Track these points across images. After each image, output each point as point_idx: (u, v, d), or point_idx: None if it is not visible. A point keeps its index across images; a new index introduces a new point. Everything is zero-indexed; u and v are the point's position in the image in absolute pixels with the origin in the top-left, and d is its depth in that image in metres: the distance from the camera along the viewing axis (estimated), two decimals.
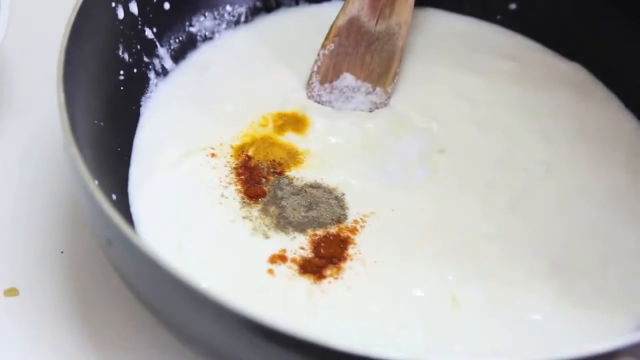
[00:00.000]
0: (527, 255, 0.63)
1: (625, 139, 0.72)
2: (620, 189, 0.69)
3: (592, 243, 0.65)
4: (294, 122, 0.72)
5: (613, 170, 0.70)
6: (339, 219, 0.65)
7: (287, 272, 0.61)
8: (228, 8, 0.79)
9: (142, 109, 0.72)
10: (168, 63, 0.75)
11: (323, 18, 0.76)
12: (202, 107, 0.72)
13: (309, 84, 0.74)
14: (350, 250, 0.63)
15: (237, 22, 0.80)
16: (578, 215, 0.66)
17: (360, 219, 0.65)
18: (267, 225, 0.64)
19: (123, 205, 0.64)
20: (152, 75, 0.73)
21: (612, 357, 0.48)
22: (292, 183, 0.67)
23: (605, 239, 0.65)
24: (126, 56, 0.70)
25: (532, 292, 0.61)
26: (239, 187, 0.67)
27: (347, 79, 0.74)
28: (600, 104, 0.75)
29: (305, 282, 0.61)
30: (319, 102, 0.74)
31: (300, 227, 0.64)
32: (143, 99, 0.72)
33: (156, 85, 0.73)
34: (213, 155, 0.69)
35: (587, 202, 0.67)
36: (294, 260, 0.62)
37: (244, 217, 0.65)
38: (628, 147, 0.72)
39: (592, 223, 0.66)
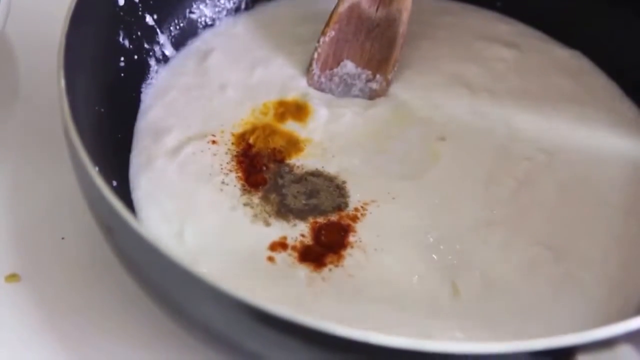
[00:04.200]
0: (528, 242, 0.63)
1: (626, 127, 0.72)
2: (622, 177, 0.69)
3: (593, 231, 0.65)
4: (295, 110, 0.72)
5: (614, 158, 0.70)
6: (340, 207, 0.65)
7: (288, 259, 0.62)
8: None
9: (142, 96, 0.72)
10: (168, 50, 0.75)
11: (323, 5, 0.76)
12: (202, 94, 0.72)
13: (309, 71, 0.74)
14: (351, 238, 0.63)
15: (237, 9, 0.79)
16: (580, 203, 0.66)
17: (361, 206, 0.65)
18: (267, 213, 0.64)
19: (124, 192, 0.64)
20: (152, 61, 0.73)
21: (610, 343, 0.48)
22: (292, 171, 0.67)
23: (606, 227, 0.65)
24: (127, 43, 0.70)
25: (532, 280, 0.61)
26: (240, 174, 0.67)
27: (348, 66, 0.74)
28: (601, 92, 0.75)
29: (305, 270, 0.61)
30: (319, 90, 0.74)
31: (301, 215, 0.64)
32: (143, 85, 0.72)
33: (157, 71, 0.74)
34: (214, 142, 0.69)
35: (588, 190, 0.67)
36: (294, 248, 0.62)
37: (244, 204, 0.65)
38: (629, 135, 0.72)
39: (594, 211, 0.66)
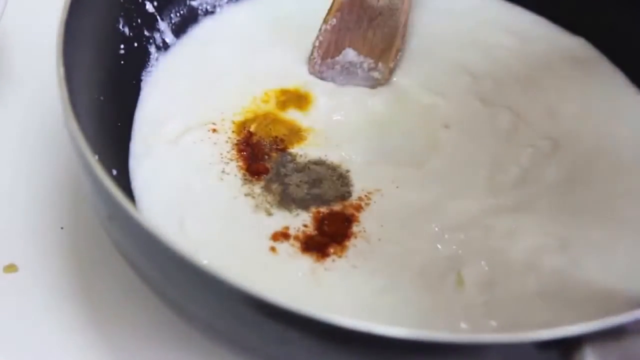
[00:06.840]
0: (534, 231, 0.63)
1: (630, 114, 0.72)
2: (626, 165, 0.68)
3: (599, 219, 0.65)
4: (297, 99, 0.71)
5: (618, 146, 0.70)
6: (343, 196, 0.65)
7: (290, 249, 0.61)
8: None
9: (142, 84, 0.71)
10: (169, 37, 0.74)
11: None
12: (203, 81, 0.72)
13: (310, 59, 0.74)
14: (355, 228, 0.63)
15: None
16: (584, 191, 0.66)
17: (365, 196, 0.65)
18: (269, 202, 0.64)
19: (124, 181, 0.63)
20: (152, 49, 0.73)
21: (618, 333, 0.47)
22: (295, 160, 0.67)
23: (612, 215, 0.65)
24: (127, 30, 0.70)
25: (539, 268, 0.61)
26: (241, 163, 0.66)
27: (349, 55, 0.74)
28: (605, 79, 0.75)
29: (308, 260, 0.61)
30: (320, 78, 0.74)
31: (304, 204, 0.64)
32: (144, 73, 0.72)
33: (157, 59, 0.73)
34: (214, 130, 0.68)
35: (593, 177, 0.67)
36: (296, 238, 0.62)
37: (246, 194, 0.64)
38: (633, 123, 0.71)
39: (599, 198, 0.66)
